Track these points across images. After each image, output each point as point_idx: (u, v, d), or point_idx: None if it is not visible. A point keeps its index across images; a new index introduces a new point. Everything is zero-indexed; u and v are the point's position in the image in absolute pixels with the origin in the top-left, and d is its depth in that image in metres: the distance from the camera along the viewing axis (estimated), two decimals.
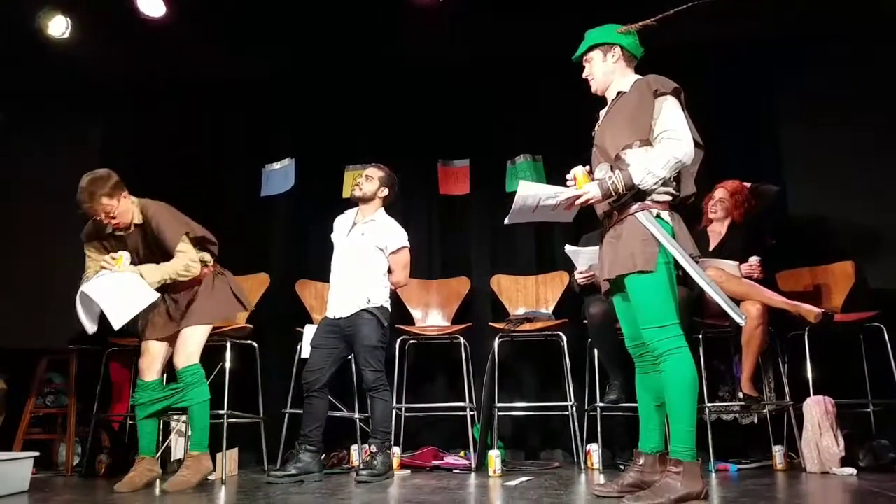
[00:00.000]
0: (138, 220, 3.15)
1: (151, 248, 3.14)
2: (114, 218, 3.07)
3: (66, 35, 4.16)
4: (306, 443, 3.42)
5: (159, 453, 3.53)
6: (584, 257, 3.41)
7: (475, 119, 4.66)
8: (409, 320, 4.36)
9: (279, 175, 4.76)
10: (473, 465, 3.61)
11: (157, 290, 3.05)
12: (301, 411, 3.50)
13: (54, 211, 4.67)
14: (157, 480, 3.18)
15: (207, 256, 3.29)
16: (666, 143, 2.41)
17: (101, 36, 4.24)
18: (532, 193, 2.55)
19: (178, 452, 3.91)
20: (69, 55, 4.24)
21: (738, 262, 3.59)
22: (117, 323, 2.87)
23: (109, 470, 3.73)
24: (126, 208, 3.10)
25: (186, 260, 3.12)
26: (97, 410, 3.97)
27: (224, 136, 4.88)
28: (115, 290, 2.91)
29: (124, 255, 3.05)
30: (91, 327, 2.99)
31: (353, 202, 3.72)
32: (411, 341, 4.17)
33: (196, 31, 4.25)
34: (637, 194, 2.44)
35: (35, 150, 4.75)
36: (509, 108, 4.62)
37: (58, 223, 4.68)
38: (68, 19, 4.14)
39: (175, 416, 3.86)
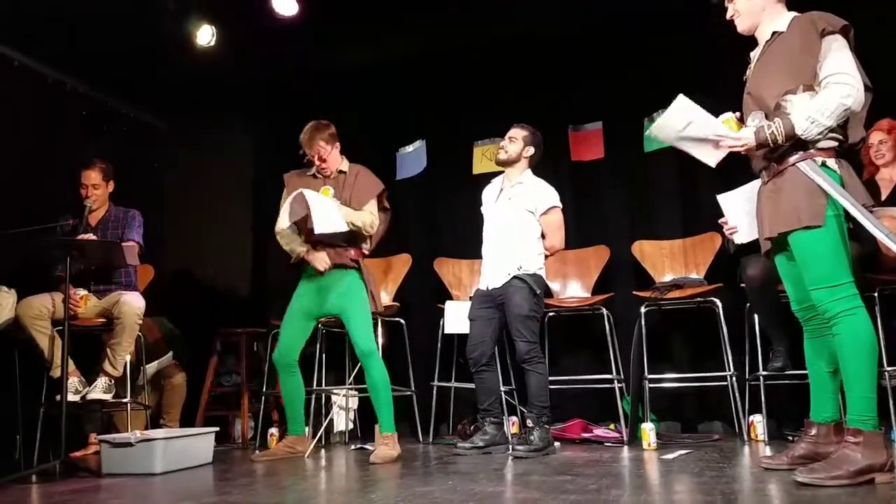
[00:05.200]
0: (343, 167, 3.49)
1: (343, 196, 3.40)
2: (324, 161, 3.41)
3: (213, 43, 4.48)
4: (489, 416, 3.47)
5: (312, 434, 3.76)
6: (733, 204, 3.09)
7: (605, 78, 4.48)
8: (548, 292, 4.30)
9: (412, 157, 4.88)
10: (625, 438, 3.53)
11: None
12: (449, 384, 3.57)
13: (220, 205, 5.10)
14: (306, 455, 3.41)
15: (369, 242, 3.49)
16: (833, 87, 2.18)
17: (243, 39, 4.53)
18: (690, 108, 2.37)
19: (339, 425, 4.15)
20: (216, 60, 4.56)
21: None
22: (319, 228, 3.16)
23: (280, 442, 4.02)
24: (335, 157, 3.46)
25: (372, 217, 3.39)
26: (266, 387, 4.29)
27: (355, 122, 5.04)
28: (326, 205, 3.26)
29: (331, 189, 3.40)
30: (286, 222, 3.29)
31: (482, 178, 3.70)
32: (550, 314, 4.12)
33: (321, 24, 4.41)
34: (798, 142, 2.24)
35: (196, 150, 5.16)
36: (641, 62, 4.37)
37: (226, 218, 5.11)
38: (214, 28, 4.46)
39: (335, 391, 4.10)
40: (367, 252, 3.49)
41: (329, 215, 3.20)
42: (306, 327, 3.44)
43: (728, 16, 2.50)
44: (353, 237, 3.37)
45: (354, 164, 3.52)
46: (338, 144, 3.46)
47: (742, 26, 2.48)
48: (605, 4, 4.27)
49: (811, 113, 2.19)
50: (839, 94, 2.17)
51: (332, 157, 3.43)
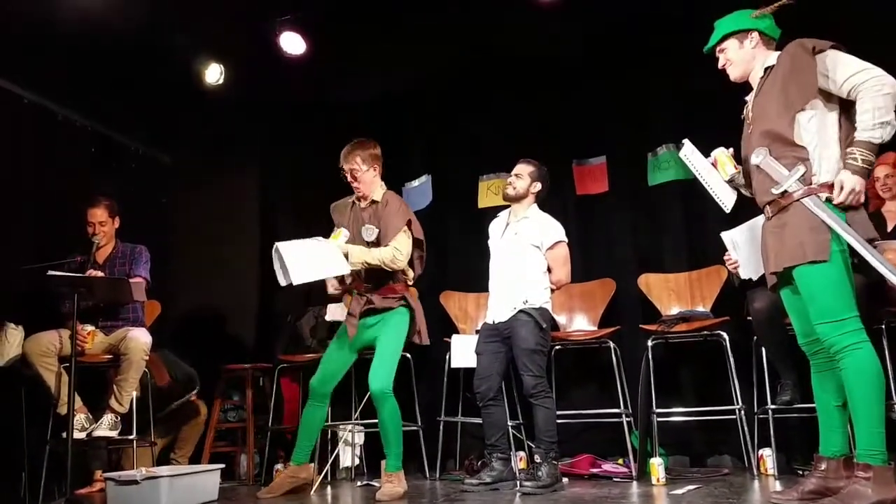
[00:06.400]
0: (377, 197, 3.39)
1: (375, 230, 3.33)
2: (357, 181, 3.34)
3: (221, 81, 4.57)
4: (496, 451, 3.44)
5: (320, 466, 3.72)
6: (736, 241, 3.11)
7: (608, 113, 4.52)
8: (554, 326, 4.29)
9: (418, 192, 4.91)
10: (634, 474, 3.49)
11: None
12: (455, 419, 3.54)
13: (226, 240, 5.11)
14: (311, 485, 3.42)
15: (410, 273, 3.43)
16: (865, 90, 2.20)
17: (250, 75, 4.61)
18: (692, 156, 2.49)
19: (345, 461, 4.11)
20: (223, 95, 4.65)
21: None
22: (296, 279, 2.99)
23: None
24: (371, 180, 3.37)
25: (394, 251, 3.25)
26: (272, 423, 4.27)
27: None
28: (307, 251, 3.07)
29: (343, 231, 3.27)
30: (282, 280, 3.09)
31: (488, 211, 3.73)
32: (557, 347, 4.11)
33: (327, 59, 4.49)
34: (802, 178, 2.26)
35: (203, 185, 5.20)
36: (644, 95, 4.41)
37: (233, 253, 5.12)
38: (222, 67, 4.55)
39: (342, 426, 4.08)
40: (409, 283, 3.44)
41: (318, 261, 3.04)
42: (348, 359, 3.43)
43: (720, 65, 2.55)
44: (383, 275, 3.30)
45: (388, 192, 3.43)
46: (377, 168, 3.39)
47: (734, 75, 2.53)
48: (608, 20, 4.28)
49: (872, 120, 2.19)
50: (876, 91, 2.18)
51: (367, 180, 3.35)
